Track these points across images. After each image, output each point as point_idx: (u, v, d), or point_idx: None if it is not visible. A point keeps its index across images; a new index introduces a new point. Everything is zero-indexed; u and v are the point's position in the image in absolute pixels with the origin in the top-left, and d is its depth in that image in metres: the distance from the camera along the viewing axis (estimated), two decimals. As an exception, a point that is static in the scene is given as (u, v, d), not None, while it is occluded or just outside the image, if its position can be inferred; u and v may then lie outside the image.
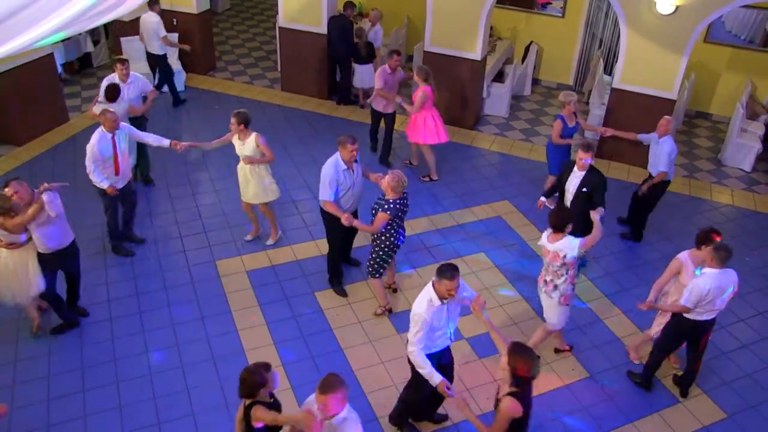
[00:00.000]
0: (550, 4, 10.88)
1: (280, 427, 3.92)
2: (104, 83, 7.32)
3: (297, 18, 9.85)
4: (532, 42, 11.02)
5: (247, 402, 3.85)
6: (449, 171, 8.69)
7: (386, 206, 5.61)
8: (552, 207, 5.97)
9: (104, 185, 6.37)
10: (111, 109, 6.42)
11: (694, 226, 7.40)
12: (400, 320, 6.24)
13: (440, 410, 5.27)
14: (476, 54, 9.10)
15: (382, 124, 8.60)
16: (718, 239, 5.13)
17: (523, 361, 3.72)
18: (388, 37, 11.28)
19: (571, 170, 6.25)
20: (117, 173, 6.45)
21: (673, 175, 7.06)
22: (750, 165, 9.07)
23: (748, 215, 8.19)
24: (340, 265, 6.58)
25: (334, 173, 5.83)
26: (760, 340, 6.29)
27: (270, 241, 7.12)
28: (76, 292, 6.03)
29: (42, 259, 5.50)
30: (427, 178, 8.46)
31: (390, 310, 6.28)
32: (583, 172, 6.13)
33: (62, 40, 9.65)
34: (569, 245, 5.14)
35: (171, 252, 7.01)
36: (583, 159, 6.07)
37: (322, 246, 6.99)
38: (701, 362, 5.53)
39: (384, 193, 5.74)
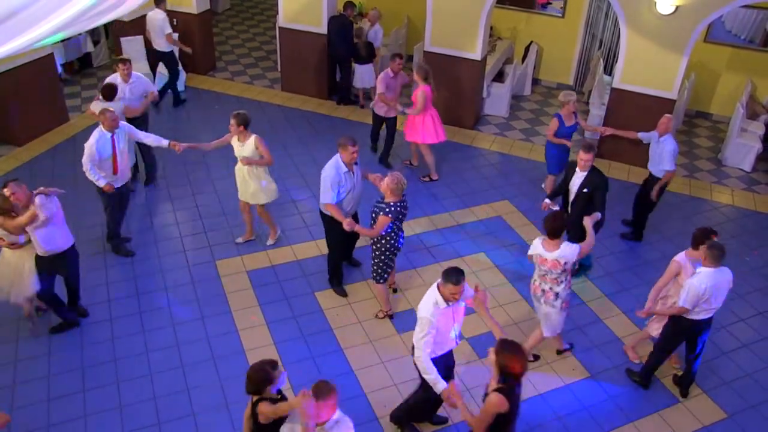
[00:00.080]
0: (550, 4, 10.88)
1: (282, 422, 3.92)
2: (107, 82, 7.40)
3: (297, 18, 9.84)
4: (532, 42, 11.02)
5: (254, 399, 3.87)
6: (449, 171, 8.69)
7: (387, 209, 5.57)
8: (555, 208, 6.00)
9: (101, 183, 6.37)
10: (110, 109, 6.43)
11: (694, 226, 7.32)
12: (400, 320, 6.25)
13: (440, 411, 5.27)
14: (476, 54, 9.10)
15: (383, 127, 8.59)
16: (714, 239, 5.14)
17: (511, 359, 3.79)
18: (388, 37, 11.28)
19: (573, 170, 6.25)
20: (115, 172, 6.46)
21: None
22: (750, 165, 9.07)
23: (748, 215, 8.19)
24: (340, 265, 6.57)
25: (335, 175, 5.80)
26: (761, 339, 6.29)
27: (270, 241, 7.12)
28: (76, 295, 6.02)
29: (39, 261, 5.52)
30: (427, 178, 8.46)
31: (392, 316, 6.27)
32: (585, 173, 6.13)
33: (62, 41, 9.65)
34: (571, 252, 5.13)
35: (171, 252, 7.01)
36: (583, 159, 6.07)
37: (322, 246, 6.99)
38: (699, 361, 5.53)
39: (383, 196, 5.70)
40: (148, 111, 7.98)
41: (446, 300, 4.39)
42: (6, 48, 3.64)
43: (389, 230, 5.69)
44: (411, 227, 7.46)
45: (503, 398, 3.82)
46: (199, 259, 6.91)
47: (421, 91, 7.82)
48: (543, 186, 8.21)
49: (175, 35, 10.24)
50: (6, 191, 5.17)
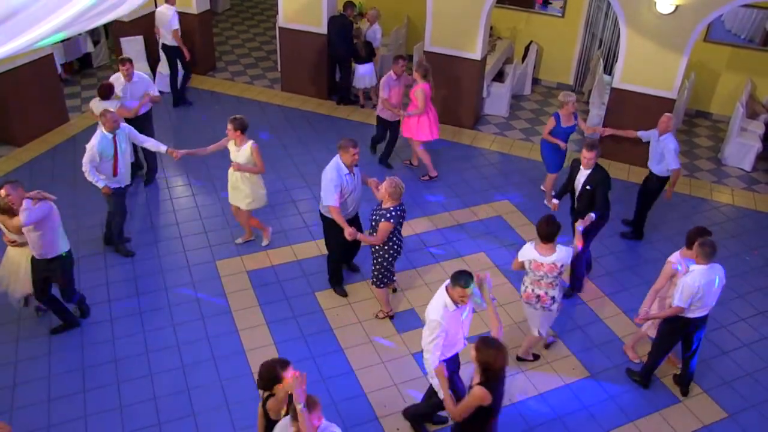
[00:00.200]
0: (550, 4, 10.88)
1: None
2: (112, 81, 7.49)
3: (297, 18, 9.84)
4: (531, 42, 11.02)
5: (264, 396, 3.91)
6: (449, 171, 8.69)
7: (388, 215, 5.52)
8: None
9: (100, 185, 6.36)
10: (111, 109, 6.43)
11: (694, 226, 7.39)
12: (400, 320, 6.25)
13: (441, 411, 5.26)
14: (476, 54, 9.09)
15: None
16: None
17: (492, 355, 3.86)
18: (388, 37, 11.28)
19: (578, 168, 6.27)
20: (115, 174, 6.45)
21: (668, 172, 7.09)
22: (750, 164, 9.07)
23: (748, 214, 8.19)
24: (340, 266, 6.55)
25: (337, 177, 5.75)
26: (761, 339, 6.29)
27: (264, 242, 7.08)
28: (67, 299, 5.88)
29: (33, 262, 5.55)
30: (426, 177, 8.46)
31: (392, 317, 6.27)
32: (588, 171, 6.14)
33: (62, 41, 9.66)
34: (567, 254, 5.17)
35: (171, 252, 7.01)
36: (586, 157, 6.08)
37: (322, 246, 6.98)
38: (696, 358, 5.53)
39: (380, 202, 5.65)
40: (152, 113, 7.98)
41: (455, 302, 4.39)
42: (6, 48, 3.64)
43: (390, 235, 5.65)
44: (411, 227, 7.46)
45: (487, 392, 3.90)
46: (200, 259, 6.91)
47: (420, 89, 7.81)
48: (542, 187, 8.22)
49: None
50: (2, 192, 5.19)
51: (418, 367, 5.72)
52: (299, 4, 9.71)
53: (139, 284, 6.54)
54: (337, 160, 5.83)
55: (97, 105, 7.34)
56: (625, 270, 7.08)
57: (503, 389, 4.08)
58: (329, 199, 5.78)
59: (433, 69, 8.11)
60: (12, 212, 5.22)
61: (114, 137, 6.32)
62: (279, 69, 10.97)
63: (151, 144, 6.74)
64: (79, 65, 10.90)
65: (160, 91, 10.01)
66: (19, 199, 5.19)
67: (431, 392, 4.85)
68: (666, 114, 6.96)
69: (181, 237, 7.24)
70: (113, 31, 10.63)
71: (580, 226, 5.65)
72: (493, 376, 3.91)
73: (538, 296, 5.29)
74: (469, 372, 5.65)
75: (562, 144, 7.48)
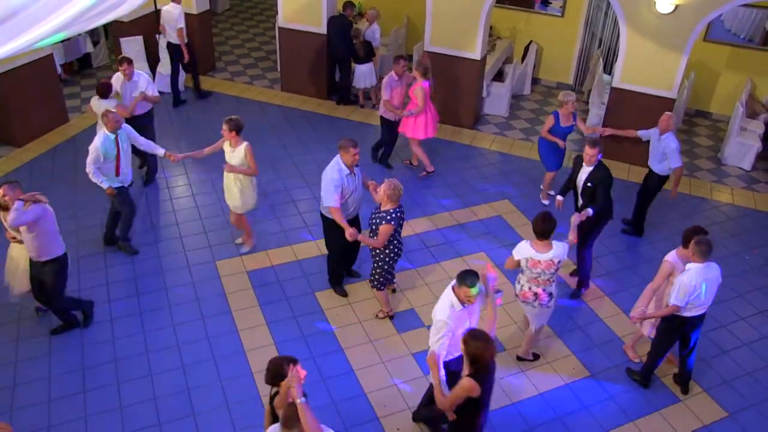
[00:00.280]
0: (550, 3, 10.88)
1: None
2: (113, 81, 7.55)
3: (296, 18, 9.84)
4: (531, 41, 11.02)
5: (272, 392, 3.94)
6: (449, 170, 8.69)
7: (388, 217, 5.49)
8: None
9: (104, 186, 6.38)
10: (113, 110, 6.45)
11: (691, 225, 7.40)
12: (400, 320, 6.24)
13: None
14: (476, 53, 9.10)
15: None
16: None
17: (479, 347, 3.92)
18: (388, 37, 11.28)
19: (580, 166, 6.27)
20: (118, 174, 6.47)
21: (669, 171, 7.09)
22: (750, 164, 9.07)
23: (748, 214, 8.19)
24: (340, 267, 6.53)
25: (338, 178, 5.72)
26: (761, 338, 6.29)
27: (245, 248, 6.99)
28: (49, 303, 5.81)
29: (30, 262, 5.56)
30: (424, 173, 8.48)
31: (392, 317, 6.27)
32: (591, 168, 6.14)
33: (62, 41, 9.66)
34: (563, 249, 5.18)
35: (171, 252, 7.01)
36: (589, 154, 6.08)
37: (322, 246, 6.98)
38: (694, 355, 5.54)
39: (378, 205, 5.62)
40: (153, 113, 7.98)
41: (462, 302, 4.39)
42: (6, 48, 3.64)
43: (390, 238, 5.63)
44: (411, 227, 7.46)
45: (475, 383, 3.96)
46: (200, 259, 6.91)
47: (419, 87, 7.81)
48: (541, 187, 8.23)
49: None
50: (0, 191, 5.22)
51: (419, 367, 5.73)
52: (299, 4, 9.71)
53: (139, 284, 6.54)
54: (337, 161, 5.80)
55: (96, 103, 7.38)
56: (625, 269, 7.08)
57: (493, 381, 4.15)
58: (329, 199, 5.75)
59: (432, 69, 8.12)
60: (9, 210, 5.24)
61: (116, 137, 6.34)
62: (279, 69, 10.97)
63: (149, 147, 6.78)
64: (79, 65, 10.90)
65: (159, 92, 10.07)
66: (14, 199, 5.20)
67: (432, 392, 4.86)
68: (666, 113, 6.97)
69: (181, 237, 7.24)
70: (113, 31, 10.63)
71: (576, 219, 5.69)
72: (481, 368, 3.97)
73: (536, 294, 5.29)
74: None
75: (560, 142, 7.49)
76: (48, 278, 5.55)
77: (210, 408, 5.31)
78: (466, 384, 3.99)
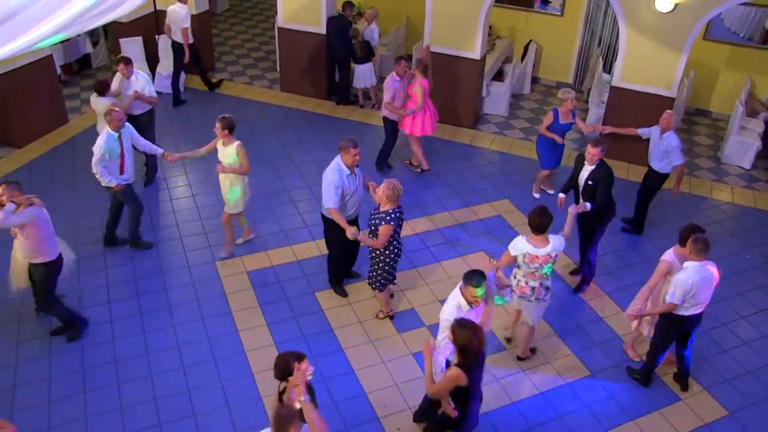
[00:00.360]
0: (549, 3, 10.88)
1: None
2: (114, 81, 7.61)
3: (296, 18, 9.84)
4: (531, 40, 11.02)
5: (281, 388, 3.97)
6: (449, 170, 8.69)
7: (387, 218, 5.47)
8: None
9: (112, 184, 6.42)
10: (117, 108, 6.48)
11: (688, 223, 7.41)
12: (400, 320, 6.24)
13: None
14: (475, 53, 9.09)
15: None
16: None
17: (467, 337, 3.97)
18: (388, 37, 11.28)
19: (582, 164, 6.27)
20: (122, 172, 6.50)
21: (670, 169, 7.11)
22: (749, 162, 9.07)
23: (747, 212, 8.19)
24: (341, 267, 6.52)
25: (338, 179, 5.71)
26: (761, 337, 6.29)
27: (222, 253, 6.93)
28: (39, 307, 5.86)
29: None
30: (418, 170, 8.51)
31: (392, 317, 6.27)
32: (593, 166, 6.14)
33: (61, 42, 9.66)
34: (560, 242, 5.21)
35: (171, 253, 7.01)
36: (591, 153, 6.08)
37: (322, 246, 6.98)
38: (690, 352, 5.54)
39: (377, 206, 5.61)
40: (154, 114, 7.98)
41: (469, 303, 4.38)
42: (6, 49, 3.64)
43: (390, 239, 5.62)
44: (411, 227, 7.46)
45: (462, 373, 4.02)
46: (200, 260, 6.91)
47: (418, 85, 7.81)
48: (541, 186, 8.24)
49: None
50: None
51: (419, 367, 5.73)
52: (298, 5, 9.71)
53: (139, 285, 6.54)
54: (338, 162, 5.79)
55: (94, 101, 7.45)
56: (625, 268, 7.08)
57: (482, 371, 4.19)
58: (329, 201, 5.75)
59: (432, 69, 8.12)
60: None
61: (119, 136, 6.37)
62: (278, 69, 10.96)
63: (148, 147, 6.82)
64: (78, 66, 10.90)
65: (159, 92, 10.07)
66: (10, 200, 5.19)
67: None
68: (667, 111, 6.99)
69: (181, 238, 7.24)
70: (112, 32, 10.63)
71: (573, 210, 5.72)
72: (470, 357, 4.02)
73: (533, 288, 5.30)
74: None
75: (558, 139, 7.52)
76: (36, 279, 5.58)
77: (210, 409, 5.30)
78: (453, 373, 4.05)
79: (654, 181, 7.19)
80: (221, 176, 6.51)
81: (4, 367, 5.60)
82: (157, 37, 10.41)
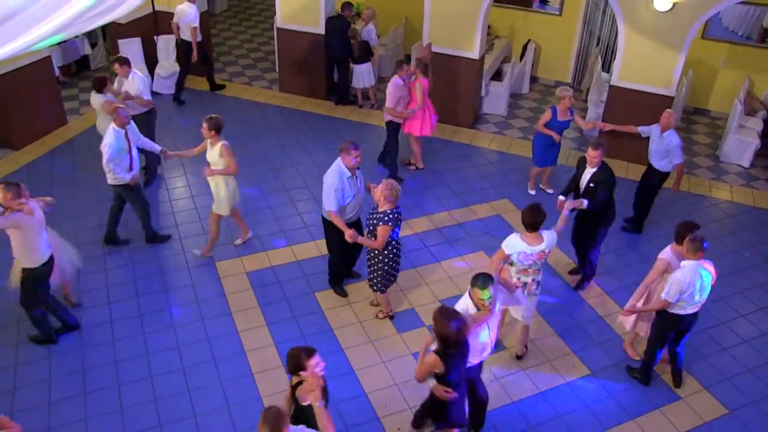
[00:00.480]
0: (548, 2, 10.88)
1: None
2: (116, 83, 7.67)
3: (294, 18, 9.84)
4: (529, 40, 11.03)
5: (294, 382, 4.00)
6: (448, 170, 8.69)
7: (385, 218, 5.46)
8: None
9: (127, 178, 6.47)
10: (121, 105, 6.50)
11: (683, 221, 7.41)
12: (400, 320, 6.24)
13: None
14: (474, 53, 9.10)
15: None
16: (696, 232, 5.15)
17: (444, 325, 4.03)
18: (386, 37, 11.28)
19: (584, 167, 6.27)
20: (131, 169, 6.53)
21: (671, 167, 7.11)
22: (748, 161, 9.08)
23: (746, 211, 8.20)
24: (341, 268, 6.52)
25: (338, 182, 5.70)
26: (761, 335, 6.30)
27: (197, 252, 6.92)
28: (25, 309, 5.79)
29: None
30: (413, 167, 8.52)
31: (392, 317, 6.27)
32: (594, 169, 6.14)
33: (59, 43, 9.65)
34: (553, 238, 5.25)
35: (171, 254, 7.01)
36: (591, 156, 6.08)
37: (321, 246, 6.98)
38: (683, 347, 5.56)
39: (375, 206, 5.60)
40: (154, 115, 7.98)
41: (476, 306, 4.37)
42: (4, 50, 3.63)
43: (390, 239, 5.62)
44: (410, 227, 7.46)
45: (438, 359, 4.09)
46: (199, 260, 6.91)
47: (418, 84, 7.80)
48: (540, 185, 8.25)
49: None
50: None
51: (419, 366, 5.72)
52: (297, 5, 9.71)
53: (138, 286, 6.53)
54: (338, 164, 5.77)
55: (92, 98, 7.50)
56: (624, 267, 7.08)
57: (463, 362, 4.23)
58: (329, 203, 5.75)
59: (431, 69, 8.11)
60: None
61: (126, 133, 6.40)
62: (277, 70, 10.96)
63: (147, 144, 6.87)
64: (77, 68, 10.89)
65: (158, 93, 10.08)
66: (3, 200, 5.17)
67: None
68: (667, 110, 7.00)
69: (180, 238, 7.24)
70: (111, 32, 10.63)
71: (569, 205, 5.75)
72: (449, 346, 4.07)
73: (525, 284, 5.31)
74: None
75: (556, 136, 7.54)
76: (22, 287, 5.54)
77: (210, 409, 5.30)
78: (429, 359, 4.15)
79: (655, 179, 7.20)
80: (209, 177, 6.50)
81: (4, 369, 5.59)
82: (155, 38, 10.40)
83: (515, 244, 5.19)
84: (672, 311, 5.14)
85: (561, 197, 6.49)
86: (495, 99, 10.12)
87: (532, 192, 8.20)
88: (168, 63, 10.47)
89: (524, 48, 11.03)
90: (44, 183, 7.93)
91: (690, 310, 5.14)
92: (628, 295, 6.56)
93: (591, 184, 6.14)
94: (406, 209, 7.40)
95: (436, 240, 7.36)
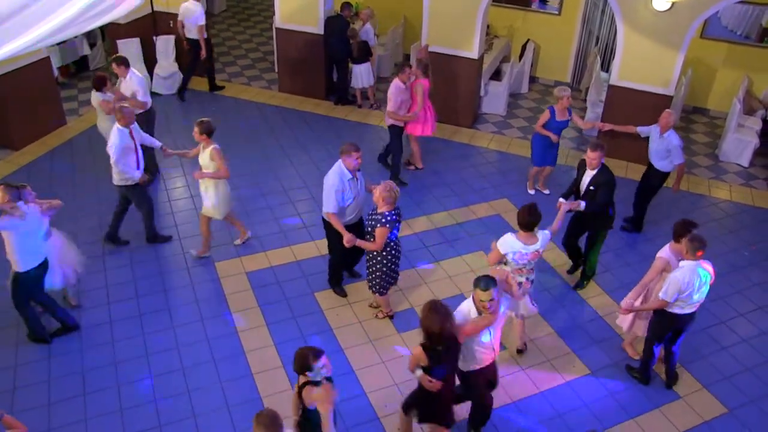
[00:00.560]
0: (547, 2, 10.89)
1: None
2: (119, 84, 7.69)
3: (293, 18, 9.84)
4: (529, 40, 11.03)
5: (301, 382, 4.00)
6: (448, 170, 8.69)
7: (383, 220, 5.45)
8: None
9: (137, 177, 6.50)
10: (126, 105, 6.51)
11: (680, 219, 7.41)
12: (400, 320, 6.24)
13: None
14: (473, 53, 9.10)
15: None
16: (694, 231, 5.15)
17: (429, 318, 4.11)
18: (385, 36, 11.28)
19: (584, 169, 6.26)
20: (138, 167, 6.56)
21: (672, 167, 7.12)
22: (747, 160, 9.09)
23: (745, 210, 8.20)
24: (341, 268, 6.52)
25: (339, 183, 5.70)
26: (760, 334, 6.30)
27: (194, 252, 6.93)
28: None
29: None
30: (412, 167, 8.52)
31: (392, 317, 6.27)
32: (594, 171, 6.13)
33: (58, 44, 9.65)
34: (546, 238, 5.28)
35: (170, 254, 7.01)
36: (590, 158, 6.08)
37: (321, 246, 6.99)
38: (679, 346, 5.55)
39: (374, 207, 5.60)
40: (154, 115, 7.98)
41: (478, 309, 4.37)
42: (4, 50, 3.63)
43: (389, 240, 5.61)
44: (410, 227, 7.46)
45: (423, 352, 4.19)
46: (199, 260, 6.90)
47: (419, 85, 7.81)
48: (537, 185, 8.25)
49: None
50: None
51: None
52: (296, 5, 9.71)
53: (138, 286, 6.53)
54: (339, 166, 5.76)
55: (94, 97, 7.51)
56: (624, 267, 7.09)
57: (449, 358, 4.27)
58: (329, 205, 5.75)
59: (431, 68, 8.11)
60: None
61: (131, 132, 6.42)
62: (276, 70, 10.96)
63: (148, 140, 6.88)
64: (76, 68, 10.89)
65: (157, 93, 10.08)
66: (1, 202, 5.16)
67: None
68: (666, 110, 7.00)
69: (180, 239, 7.24)
70: (109, 33, 10.62)
71: (565, 206, 5.77)
72: (433, 341, 4.12)
73: (520, 283, 5.33)
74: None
75: (554, 137, 7.54)
76: (12, 288, 5.54)
77: (210, 409, 5.30)
78: (415, 351, 4.26)
79: (656, 180, 7.20)
80: (200, 180, 6.50)
81: (4, 370, 5.59)
82: (154, 38, 10.41)
83: (511, 243, 5.22)
84: (670, 310, 5.14)
85: (561, 200, 6.49)
86: (494, 99, 10.12)
87: (531, 192, 8.21)
88: (167, 63, 10.47)
89: (523, 48, 11.04)
90: (44, 183, 7.91)
91: (688, 310, 5.15)
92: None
93: (591, 187, 6.13)
94: (406, 209, 7.40)
95: (436, 240, 7.36)
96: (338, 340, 6.00)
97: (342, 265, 6.48)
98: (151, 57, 10.47)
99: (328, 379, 4.03)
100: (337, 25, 9.57)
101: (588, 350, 6.02)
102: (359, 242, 5.67)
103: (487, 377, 4.76)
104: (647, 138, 7.26)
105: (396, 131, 8.03)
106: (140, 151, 6.58)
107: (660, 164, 7.08)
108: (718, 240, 7.46)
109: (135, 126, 6.57)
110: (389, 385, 5.57)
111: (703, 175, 8.90)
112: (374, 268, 5.80)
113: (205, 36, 9.73)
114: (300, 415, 4.07)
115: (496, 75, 10.53)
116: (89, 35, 10.76)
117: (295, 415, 4.08)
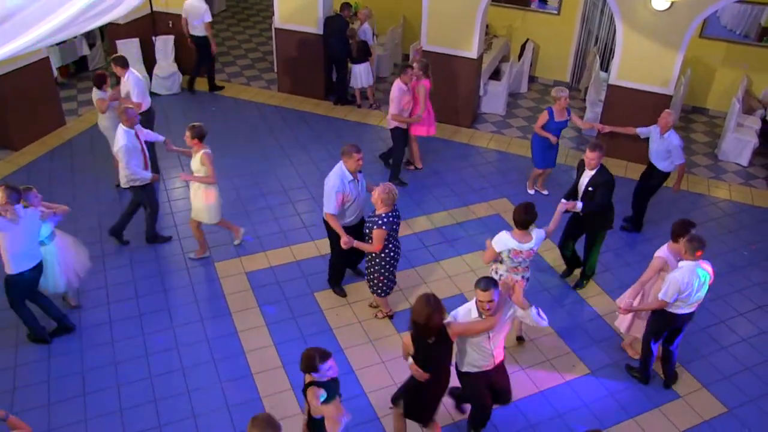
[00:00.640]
0: (546, 2, 10.89)
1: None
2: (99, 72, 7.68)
3: (293, 18, 9.84)
4: (528, 39, 11.03)
5: (307, 381, 4.03)
6: (447, 169, 8.70)
7: (380, 222, 5.45)
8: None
9: (148, 177, 6.55)
10: (130, 105, 6.51)
11: (679, 219, 7.41)
12: (400, 320, 6.24)
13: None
14: (472, 52, 9.10)
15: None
16: (692, 231, 5.15)
17: (415, 310, 4.16)
18: (385, 36, 11.28)
19: (583, 170, 6.26)
20: (146, 167, 6.59)
21: (673, 168, 7.12)
22: (746, 159, 9.09)
23: (745, 209, 8.21)
24: (341, 268, 6.52)
25: (340, 185, 5.69)
26: (760, 333, 6.31)
27: (192, 254, 6.93)
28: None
29: None
30: (411, 167, 8.53)
31: (391, 317, 6.27)
32: (593, 172, 6.13)
33: (58, 44, 9.65)
34: (541, 237, 5.30)
35: (170, 254, 7.00)
36: (589, 158, 6.07)
37: (321, 246, 6.99)
38: (677, 345, 5.56)
39: (373, 209, 5.60)
40: (154, 116, 7.99)
41: (479, 311, 4.38)
42: (3, 51, 3.63)
43: (385, 242, 5.59)
44: (410, 226, 7.46)
45: (408, 339, 4.31)
46: (198, 261, 6.90)
47: (421, 86, 7.81)
48: (536, 186, 8.26)
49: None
50: None
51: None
52: (295, 5, 9.71)
53: (138, 286, 6.53)
54: (340, 167, 5.76)
55: (94, 95, 7.52)
56: (624, 267, 7.09)
57: (436, 351, 4.29)
58: (329, 206, 5.75)
59: (431, 69, 8.12)
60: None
61: (136, 132, 6.45)
62: (275, 70, 10.96)
63: (151, 136, 6.92)
64: (75, 68, 10.88)
65: (156, 93, 10.08)
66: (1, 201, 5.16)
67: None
68: (666, 110, 7.00)
69: (179, 239, 7.24)
70: (109, 33, 10.62)
71: (561, 207, 5.77)
72: (419, 330, 4.19)
73: (515, 281, 5.30)
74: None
75: (553, 138, 7.55)
76: (6, 291, 5.54)
77: (210, 410, 5.30)
78: (405, 339, 4.37)
79: (656, 180, 7.20)
80: (191, 184, 6.49)
81: (4, 370, 5.59)
82: (153, 38, 10.40)
83: (505, 241, 5.24)
84: (669, 310, 5.15)
85: (563, 200, 6.48)
86: (493, 98, 10.12)
87: (531, 192, 8.22)
88: (166, 63, 10.47)
89: (522, 47, 11.04)
90: (44, 183, 7.91)
91: (686, 310, 5.15)
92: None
93: (590, 188, 6.13)
94: (406, 209, 7.41)
95: (436, 239, 7.36)
96: (338, 340, 6.00)
97: (344, 265, 6.48)
98: (151, 57, 10.47)
99: (334, 380, 4.03)
100: (337, 25, 9.57)
101: (588, 350, 6.02)
102: (357, 243, 5.67)
103: (488, 380, 4.73)
104: (647, 138, 7.26)
105: (399, 133, 7.99)
106: (147, 152, 6.62)
107: (662, 165, 7.08)
108: (718, 239, 7.47)
109: (139, 126, 6.58)
110: (389, 385, 5.56)
111: (702, 175, 8.90)
112: (373, 269, 5.80)
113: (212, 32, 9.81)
114: (306, 421, 4.12)
115: (496, 75, 10.53)
116: (89, 35, 10.76)
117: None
